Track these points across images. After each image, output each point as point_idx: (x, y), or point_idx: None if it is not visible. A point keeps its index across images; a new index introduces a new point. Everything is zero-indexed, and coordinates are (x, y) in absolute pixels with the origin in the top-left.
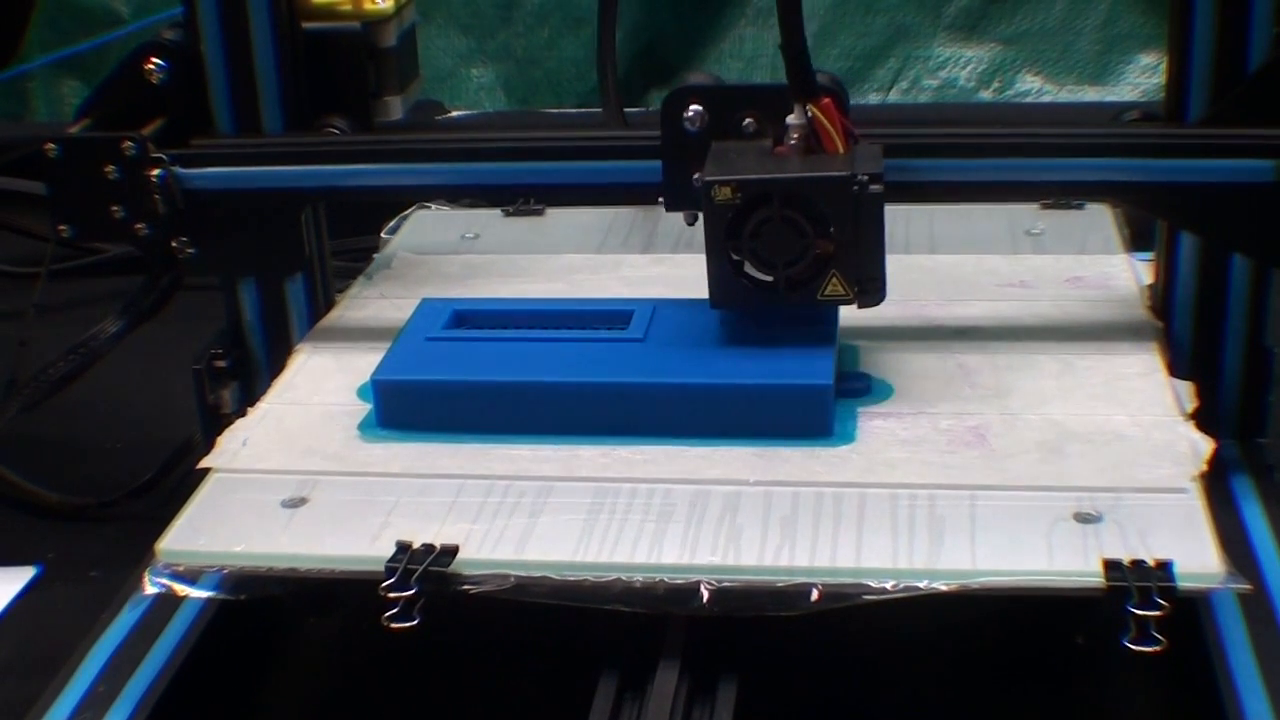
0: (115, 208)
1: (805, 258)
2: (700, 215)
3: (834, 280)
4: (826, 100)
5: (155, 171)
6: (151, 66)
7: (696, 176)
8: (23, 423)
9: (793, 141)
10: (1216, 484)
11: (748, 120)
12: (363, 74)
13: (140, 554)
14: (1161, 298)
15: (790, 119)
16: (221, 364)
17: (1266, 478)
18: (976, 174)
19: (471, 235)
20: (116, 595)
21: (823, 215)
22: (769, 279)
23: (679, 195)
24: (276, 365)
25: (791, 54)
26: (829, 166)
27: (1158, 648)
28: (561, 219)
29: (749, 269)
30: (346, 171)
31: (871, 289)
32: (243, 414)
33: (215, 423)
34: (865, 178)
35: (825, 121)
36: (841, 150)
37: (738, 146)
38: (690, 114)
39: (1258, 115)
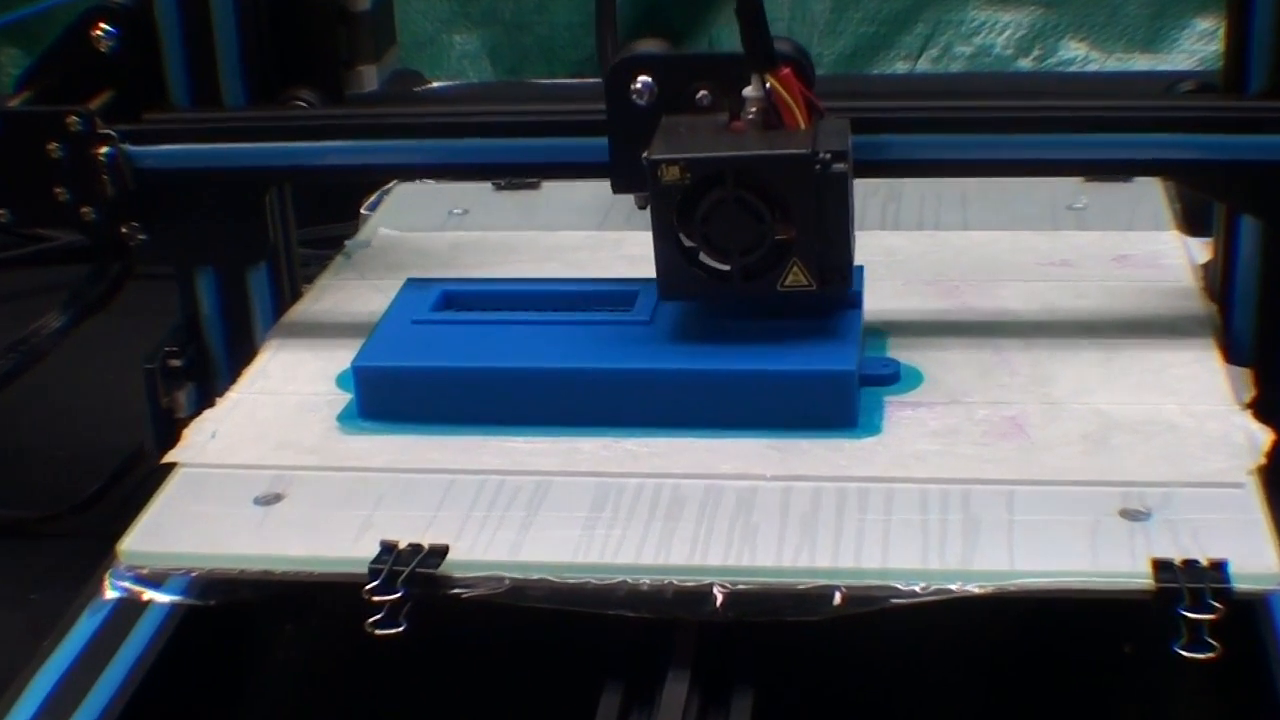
0: (59, 189)
1: (763, 244)
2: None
3: (795, 269)
4: (786, 70)
5: (103, 149)
6: (99, 33)
7: (644, 155)
8: None
9: (750, 116)
10: (1276, 479)
11: (702, 93)
12: (333, 41)
13: (87, 574)
14: (1220, 286)
15: (747, 91)
16: (176, 363)
17: None
18: (1015, 151)
19: (460, 211)
20: (60, 620)
21: (782, 198)
22: (724, 267)
23: (627, 175)
24: (237, 364)
25: (747, 18)
26: (788, 144)
27: (1211, 654)
28: (558, 193)
29: (703, 257)
30: (315, 149)
31: (836, 279)
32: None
33: (169, 428)
34: (828, 156)
35: (785, 94)
36: (803, 125)
37: (690, 122)
38: (638, 86)
39: None
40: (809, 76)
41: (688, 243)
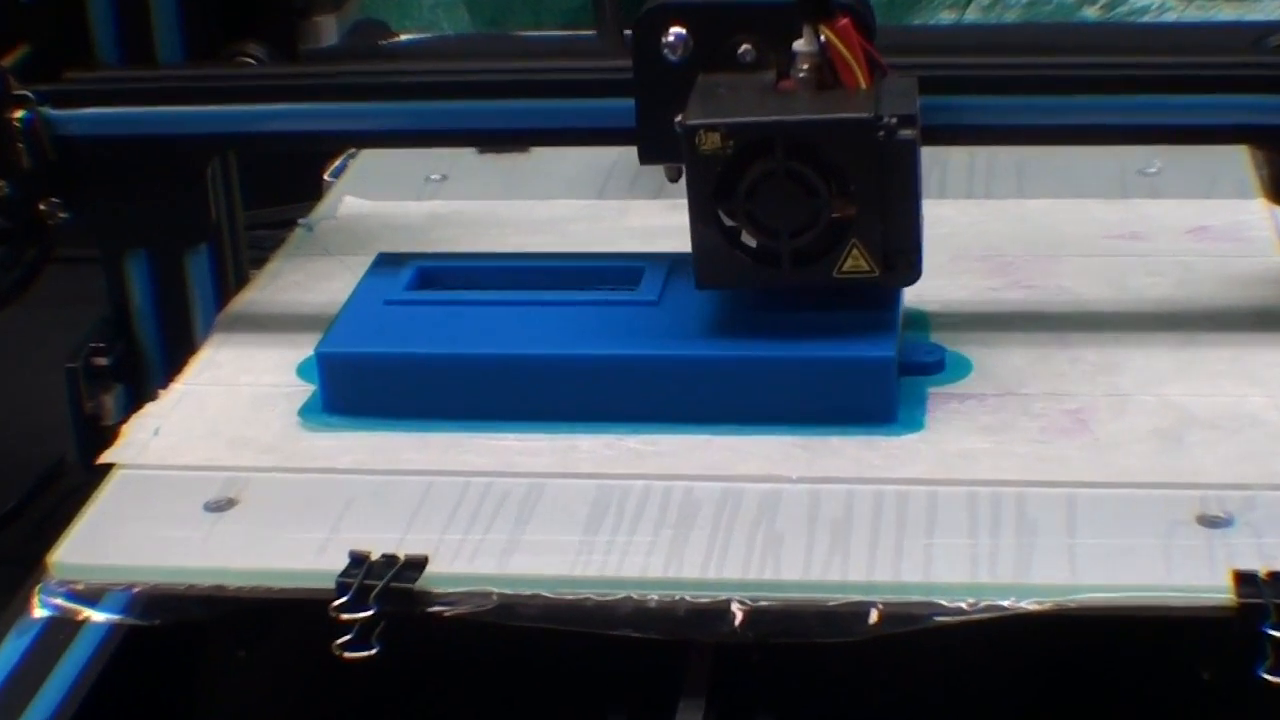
0: None
1: (818, 223)
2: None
3: (855, 252)
4: (844, 20)
5: (18, 113)
6: None
7: (678, 120)
8: None
9: (801, 74)
10: None
11: (745, 47)
12: None
13: (3, 602)
14: None
15: (798, 45)
16: (102, 361)
17: None
18: (1077, 115)
19: (438, 177)
20: None
21: (840, 169)
22: (772, 251)
23: (656, 143)
24: (173, 361)
25: None
26: (847, 106)
27: None
28: (551, 157)
29: (746, 238)
30: (265, 113)
31: (903, 263)
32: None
33: (94, 436)
34: (893, 120)
35: (842, 48)
36: (864, 85)
37: (731, 81)
38: (671, 39)
39: None
40: (870, 27)
41: (729, 222)
